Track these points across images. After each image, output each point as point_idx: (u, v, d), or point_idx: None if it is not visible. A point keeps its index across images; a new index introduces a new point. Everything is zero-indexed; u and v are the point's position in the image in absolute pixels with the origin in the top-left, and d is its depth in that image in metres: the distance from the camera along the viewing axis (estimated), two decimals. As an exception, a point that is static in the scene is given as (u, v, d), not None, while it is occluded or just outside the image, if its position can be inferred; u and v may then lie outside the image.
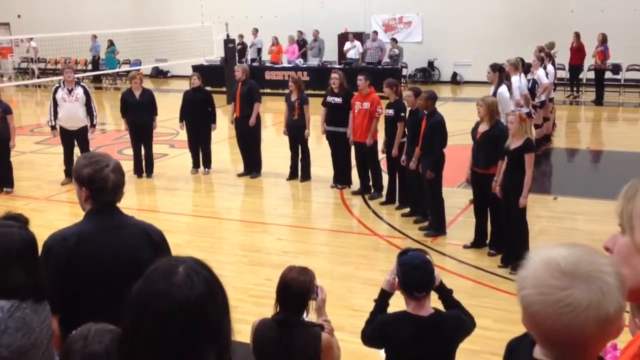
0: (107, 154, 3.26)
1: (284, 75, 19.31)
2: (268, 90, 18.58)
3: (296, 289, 3.29)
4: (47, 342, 2.60)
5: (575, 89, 18.96)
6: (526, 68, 11.37)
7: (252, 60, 21.27)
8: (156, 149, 11.38)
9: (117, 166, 3.03)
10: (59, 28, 21.67)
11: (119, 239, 2.99)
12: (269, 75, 20.35)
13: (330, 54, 21.52)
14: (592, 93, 18.29)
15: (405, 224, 8.44)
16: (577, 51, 18.22)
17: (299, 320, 3.31)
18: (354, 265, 7.20)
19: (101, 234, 2.98)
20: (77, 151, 10.22)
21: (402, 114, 8.70)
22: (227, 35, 19.00)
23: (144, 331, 1.53)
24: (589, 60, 18.23)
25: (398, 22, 22.48)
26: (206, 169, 11.19)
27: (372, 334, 3.45)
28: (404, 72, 21.06)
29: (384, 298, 3.47)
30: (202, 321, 1.54)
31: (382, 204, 9.24)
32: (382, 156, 9.38)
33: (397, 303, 3.46)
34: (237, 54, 19.89)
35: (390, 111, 8.86)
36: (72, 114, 10.32)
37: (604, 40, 17.34)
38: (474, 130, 7.47)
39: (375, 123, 9.25)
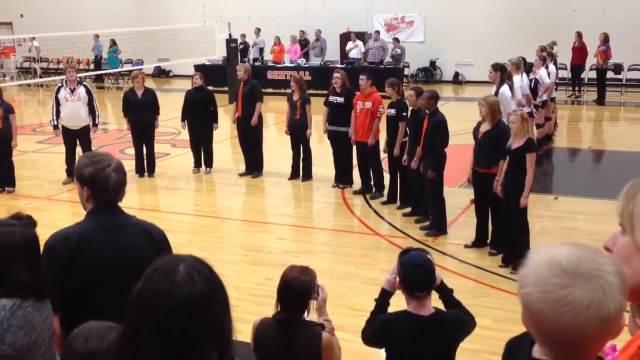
0: (108, 153, 3.26)
1: (286, 75, 19.30)
2: (270, 90, 18.59)
3: (297, 288, 3.29)
4: (48, 340, 2.60)
5: (577, 88, 18.95)
6: (528, 68, 11.37)
7: (254, 59, 21.28)
8: (158, 148, 11.39)
9: (119, 165, 3.03)
10: (61, 27, 21.68)
11: (121, 239, 2.99)
12: (271, 75, 20.36)
13: (333, 54, 21.52)
14: (593, 93, 18.27)
15: (406, 224, 8.44)
16: (579, 51, 18.21)
17: (300, 320, 3.32)
18: (355, 264, 7.21)
19: (103, 233, 2.98)
20: (79, 150, 10.22)
21: (404, 114, 8.70)
22: (230, 35, 19.01)
23: (145, 330, 1.53)
24: (590, 60, 18.22)
25: (400, 21, 22.48)
26: (208, 169, 11.20)
27: (373, 334, 3.45)
28: (406, 71, 21.05)
29: (384, 297, 3.48)
30: (203, 320, 1.54)
31: (384, 203, 9.24)
32: (383, 156, 9.37)
33: (398, 302, 3.47)
34: (239, 54, 19.90)
35: (392, 111, 8.86)
36: (75, 113, 10.32)
37: (605, 39, 17.33)
38: (476, 130, 7.47)
39: (377, 123, 9.26)
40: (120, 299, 1.66)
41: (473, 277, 6.76)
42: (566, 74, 18.86)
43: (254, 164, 10.90)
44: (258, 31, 21.99)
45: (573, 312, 1.35)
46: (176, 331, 1.51)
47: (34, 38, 24.18)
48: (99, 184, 2.95)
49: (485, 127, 7.25)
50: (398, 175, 9.03)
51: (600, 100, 17.70)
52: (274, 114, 16.12)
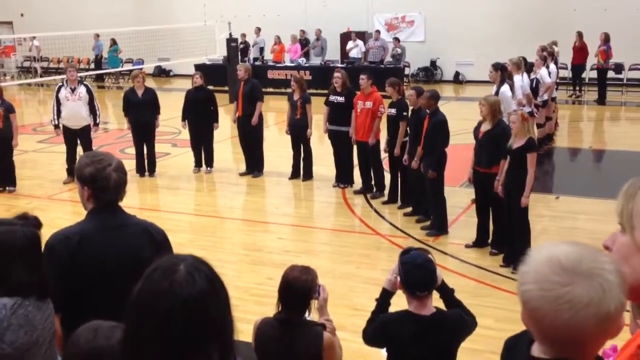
0: (109, 153, 3.26)
1: (286, 75, 19.29)
2: (270, 90, 18.59)
3: (298, 288, 3.29)
4: (49, 340, 2.60)
5: (577, 88, 18.94)
6: (528, 67, 11.37)
7: (255, 59, 21.27)
8: (158, 147, 11.39)
9: (120, 165, 3.03)
10: (61, 27, 21.68)
11: (121, 238, 2.99)
12: (271, 75, 20.36)
13: (333, 53, 21.52)
14: (594, 92, 18.25)
15: (407, 223, 8.44)
16: (580, 50, 18.20)
17: (301, 320, 3.32)
18: (355, 264, 7.21)
19: (103, 233, 2.98)
20: (79, 150, 10.23)
21: (405, 113, 8.70)
22: (230, 34, 19.01)
23: (146, 330, 1.52)
24: (591, 60, 18.21)
25: (401, 21, 22.47)
26: (208, 168, 11.20)
27: (374, 333, 3.46)
28: (407, 71, 21.05)
29: (385, 297, 3.48)
30: (204, 319, 1.54)
31: (384, 203, 9.24)
32: (384, 155, 9.37)
33: (399, 302, 3.47)
34: (239, 53, 19.90)
35: (393, 110, 8.86)
36: (75, 112, 10.33)
37: (606, 39, 17.32)
38: (476, 130, 7.46)
39: (377, 122, 9.26)
40: (120, 298, 1.66)
41: (474, 277, 6.75)
42: (567, 73, 18.86)
43: (254, 164, 10.90)
44: (258, 31, 21.98)
45: (572, 310, 1.35)
46: (177, 331, 1.51)
47: (34, 37, 24.20)
48: (100, 183, 2.95)
49: (485, 127, 7.25)
50: (399, 175, 9.02)
51: (601, 100, 17.69)
52: (274, 114, 16.12)
